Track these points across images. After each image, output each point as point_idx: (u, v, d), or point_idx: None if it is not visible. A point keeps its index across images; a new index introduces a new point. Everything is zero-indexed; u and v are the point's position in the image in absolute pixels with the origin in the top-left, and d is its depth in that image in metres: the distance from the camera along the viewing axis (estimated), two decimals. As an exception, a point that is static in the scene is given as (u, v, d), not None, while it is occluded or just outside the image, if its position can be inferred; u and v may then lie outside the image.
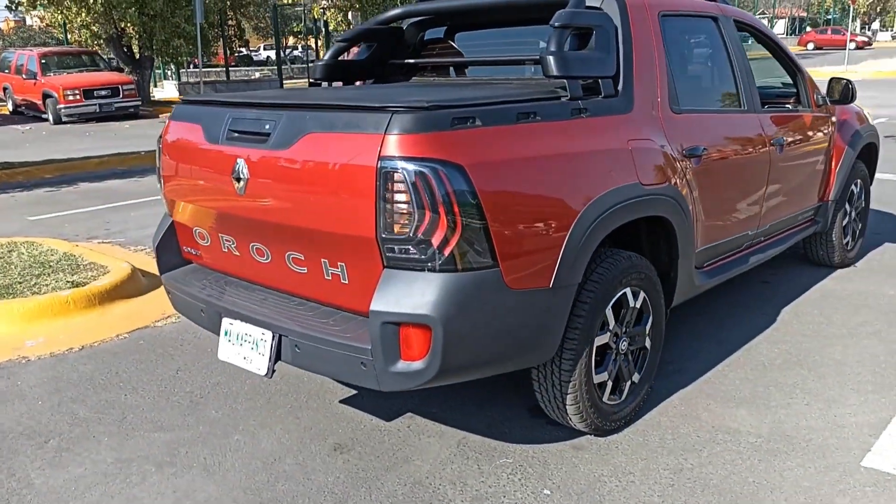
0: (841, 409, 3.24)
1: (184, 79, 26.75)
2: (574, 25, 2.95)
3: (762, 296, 4.68)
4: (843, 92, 4.52)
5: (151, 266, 5.52)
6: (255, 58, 44.13)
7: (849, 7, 52.76)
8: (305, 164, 2.54)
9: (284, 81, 27.02)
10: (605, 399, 2.99)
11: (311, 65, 27.38)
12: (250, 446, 3.11)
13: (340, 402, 3.48)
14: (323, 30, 24.67)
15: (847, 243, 5.16)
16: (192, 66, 28.31)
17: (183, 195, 3.14)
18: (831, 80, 4.63)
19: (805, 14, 54.20)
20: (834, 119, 4.76)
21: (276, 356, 2.78)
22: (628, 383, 3.11)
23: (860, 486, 2.68)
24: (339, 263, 2.57)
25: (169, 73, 27.23)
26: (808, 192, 4.57)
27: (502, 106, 2.57)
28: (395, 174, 2.31)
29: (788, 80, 4.62)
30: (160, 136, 3.26)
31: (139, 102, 18.74)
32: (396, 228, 2.35)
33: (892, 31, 56.17)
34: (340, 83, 4.07)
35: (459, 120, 2.42)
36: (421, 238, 2.34)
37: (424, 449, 3.04)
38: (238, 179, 2.75)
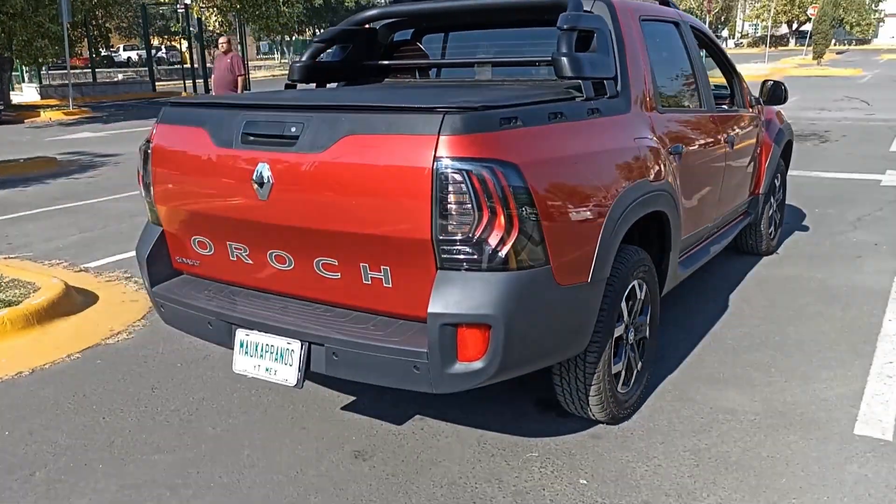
0: (817, 384, 3.52)
1: (45, 81, 24.94)
2: (579, 28, 3.04)
3: (707, 284, 4.98)
4: (776, 93, 4.90)
5: (76, 281, 5.17)
6: (115, 59, 41.86)
7: (704, 19, 56.76)
8: (345, 167, 2.48)
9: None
10: (619, 388, 3.10)
11: (180, 66, 26.32)
12: (265, 461, 2.99)
13: (342, 409, 3.40)
14: (196, 29, 23.76)
15: (770, 233, 5.58)
16: (50, 69, 26.43)
17: (180, 203, 2.96)
18: (764, 82, 5.00)
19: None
20: (762, 118, 5.15)
21: (306, 366, 2.70)
22: (634, 372, 3.24)
23: (861, 453, 2.92)
24: (381, 267, 2.53)
25: (27, 75, 25.29)
26: (745, 186, 4.91)
27: (537, 106, 2.62)
28: (453, 175, 2.30)
29: (722, 81, 4.94)
30: (146, 142, 3.06)
31: (1, 107, 17.32)
32: (454, 229, 2.34)
33: (733, 39, 60.79)
34: (314, 85, 3.98)
35: (505, 120, 2.44)
36: (479, 238, 2.34)
37: (447, 450, 3.03)
38: (260, 184, 2.64)
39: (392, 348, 2.47)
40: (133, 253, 6.02)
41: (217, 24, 20.49)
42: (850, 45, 52.07)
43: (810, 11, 34.40)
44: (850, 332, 4.10)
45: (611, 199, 2.76)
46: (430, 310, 2.39)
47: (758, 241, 5.45)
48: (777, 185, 5.58)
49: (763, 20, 48.53)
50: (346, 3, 45.22)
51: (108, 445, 3.14)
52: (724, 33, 58.78)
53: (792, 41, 36.74)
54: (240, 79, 11.44)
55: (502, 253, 2.35)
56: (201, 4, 20.50)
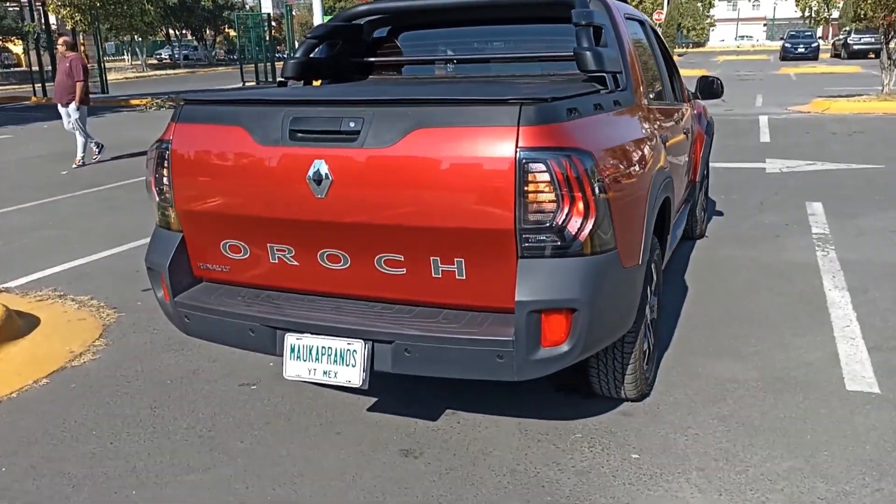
0: (796, 350, 3.85)
1: None
2: (594, 24, 3.17)
3: (658, 268, 5.29)
4: (712, 88, 5.28)
5: (5, 302, 4.73)
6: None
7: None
8: (416, 161, 2.46)
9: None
10: (645, 366, 3.26)
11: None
12: (313, 469, 2.90)
13: (368, 410, 3.35)
14: (44, 28, 22.01)
15: (702, 217, 6.00)
16: None
17: (210, 206, 2.81)
18: (701, 77, 5.37)
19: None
20: (695, 111, 5.53)
21: (370, 365, 2.65)
22: (649, 350, 3.42)
23: (860, 406, 3.25)
24: (455, 260, 2.53)
25: None
26: (688, 174, 5.27)
27: (585, 97, 2.72)
28: (536, 164, 2.35)
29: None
30: (163, 144, 2.88)
31: None
32: (537, 218, 2.39)
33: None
34: (301, 82, 3.87)
35: (570, 110, 2.52)
36: (560, 225, 2.40)
37: (492, 440, 3.07)
38: (317, 182, 2.56)
39: (475, 339, 2.48)
40: (58, 268, 5.65)
41: (75, 22, 19.06)
42: (687, 47, 56.26)
43: (656, 17, 36.93)
44: (802, 303, 4.51)
45: (648, 184, 2.91)
46: (517, 298, 2.42)
47: (693, 226, 5.84)
48: (705, 173, 6.00)
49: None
50: (203, 3, 43.53)
51: (130, 471, 2.92)
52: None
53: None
54: (78, 85, 10.38)
55: (582, 239, 2.43)
56: (57, 2, 19.02)
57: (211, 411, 3.38)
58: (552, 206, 2.38)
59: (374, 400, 3.43)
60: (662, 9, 39.13)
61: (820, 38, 40.39)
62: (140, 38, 34.46)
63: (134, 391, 3.62)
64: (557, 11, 3.69)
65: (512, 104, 2.38)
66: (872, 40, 33.49)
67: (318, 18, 16.37)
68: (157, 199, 2.96)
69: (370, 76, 4.11)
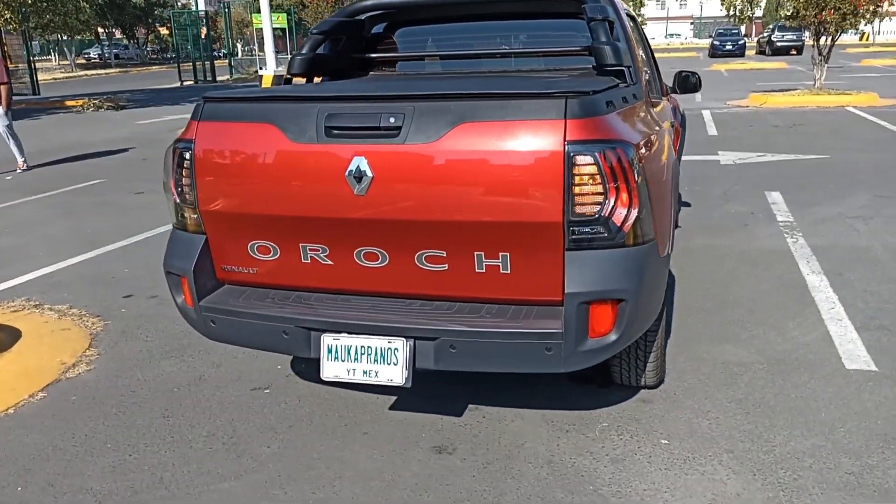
0: (790, 332, 4.00)
1: None
2: (608, 18, 3.23)
3: (641, 259, 5.42)
4: (690, 83, 5.42)
5: None
6: None
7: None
8: (462, 156, 2.46)
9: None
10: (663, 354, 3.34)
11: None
12: (349, 470, 2.87)
13: (390, 409, 3.33)
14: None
15: (678, 209, 6.17)
16: None
17: (238, 206, 2.74)
18: (678, 72, 5.51)
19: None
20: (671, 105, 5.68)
21: (412, 363, 2.64)
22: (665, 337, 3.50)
23: (864, 384, 3.40)
24: (500, 254, 2.54)
25: None
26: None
27: (615, 91, 2.76)
28: (584, 157, 2.38)
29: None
30: (183, 144, 2.80)
31: None
32: (584, 210, 2.42)
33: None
34: (304, 80, 3.81)
35: (608, 103, 2.56)
36: (606, 217, 2.44)
37: (521, 433, 3.09)
38: (357, 179, 2.53)
39: (524, 332, 2.50)
40: (26, 277, 5.41)
41: (4, 20, 18.18)
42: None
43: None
44: (786, 288, 4.69)
45: (671, 174, 2.99)
46: (567, 290, 2.45)
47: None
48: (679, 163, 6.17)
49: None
50: (134, 1, 42.18)
51: (157, 483, 2.84)
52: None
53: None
54: (3, 88, 9.87)
55: (626, 230, 2.48)
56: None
57: (228, 417, 3.31)
58: (599, 199, 2.42)
59: (393, 399, 3.41)
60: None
61: (745, 35, 41.83)
62: (69, 37, 33.22)
63: (141, 401, 3.51)
64: (559, 7, 3.74)
65: (557, 98, 2.41)
66: (794, 38, 34.93)
67: (265, 16, 16.08)
68: (178, 201, 2.88)
69: (371, 73, 4.08)
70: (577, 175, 2.39)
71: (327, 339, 2.70)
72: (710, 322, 4.18)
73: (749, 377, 3.50)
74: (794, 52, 35.36)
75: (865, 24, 14.37)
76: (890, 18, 15.34)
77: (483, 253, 2.55)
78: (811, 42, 15.34)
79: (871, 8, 13.76)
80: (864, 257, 5.20)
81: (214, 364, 3.87)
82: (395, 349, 2.63)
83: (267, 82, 16.07)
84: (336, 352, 2.70)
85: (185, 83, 30.38)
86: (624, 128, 2.57)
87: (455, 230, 2.53)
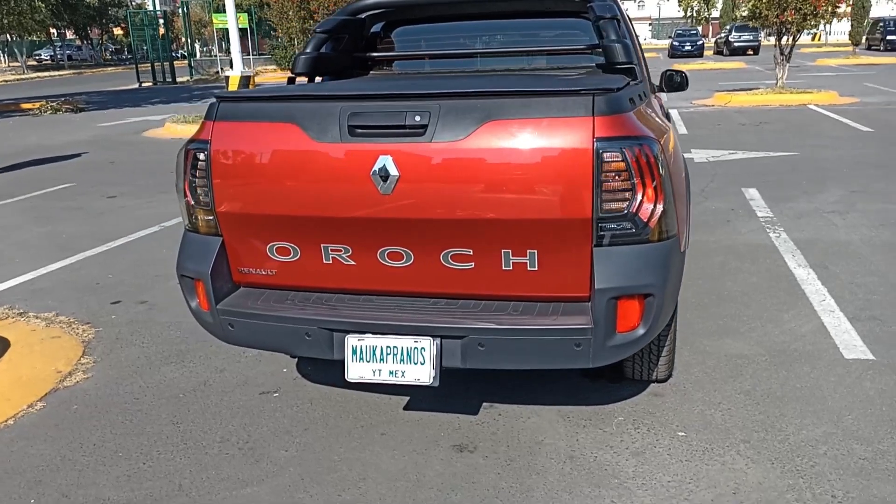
0: (786, 324, 4.09)
1: None
2: (616, 16, 3.26)
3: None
4: (678, 81, 5.49)
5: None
6: None
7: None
8: (489, 154, 2.46)
9: None
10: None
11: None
12: (372, 471, 2.85)
13: (405, 409, 3.32)
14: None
15: (659, 206, 6.26)
16: None
17: (257, 207, 2.71)
18: (664, 72, 5.59)
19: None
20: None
21: (440, 362, 2.64)
22: (673, 331, 3.55)
23: (863, 372, 3.49)
24: (527, 251, 2.55)
25: None
26: None
27: (632, 88, 2.80)
28: (612, 153, 2.41)
29: None
30: (197, 144, 2.75)
31: None
32: (613, 206, 2.45)
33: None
34: (305, 79, 3.77)
35: (630, 100, 2.60)
36: (633, 213, 2.47)
37: (539, 429, 3.11)
38: (383, 178, 2.52)
39: (553, 329, 2.52)
40: (6, 285, 5.26)
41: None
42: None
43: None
44: (775, 281, 4.79)
45: (684, 171, 3.03)
46: (597, 286, 2.48)
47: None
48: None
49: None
50: (88, 1, 41.23)
51: (177, 490, 2.79)
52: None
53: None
54: None
55: (652, 225, 2.51)
56: None
57: (240, 422, 3.26)
58: (627, 194, 2.45)
59: (405, 399, 3.40)
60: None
61: (703, 36, 42.61)
62: (20, 38, 32.33)
63: (146, 408, 3.44)
64: (557, 6, 3.78)
65: (585, 95, 2.43)
66: (751, 38, 35.70)
67: (231, 15, 15.86)
68: (192, 203, 2.83)
69: (371, 72, 4.06)
70: (606, 171, 2.41)
71: (352, 340, 2.69)
72: (708, 316, 4.26)
73: (753, 369, 3.57)
74: (752, 52, 36.13)
75: (825, 25, 14.75)
76: (839, 20, 15.76)
77: (510, 250, 2.56)
78: (768, 42, 15.72)
79: (830, 9, 14.16)
80: (845, 251, 5.35)
81: (217, 369, 3.81)
82: (422, 348, 2.63)
83: (234, 84, 15.86)
84: (361, 353, 2.68)
85: (143, 84, 29.84)
86: (646, 124, 2.61)
87: (483, 228, 2.54)
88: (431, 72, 4.04)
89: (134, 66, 31.82)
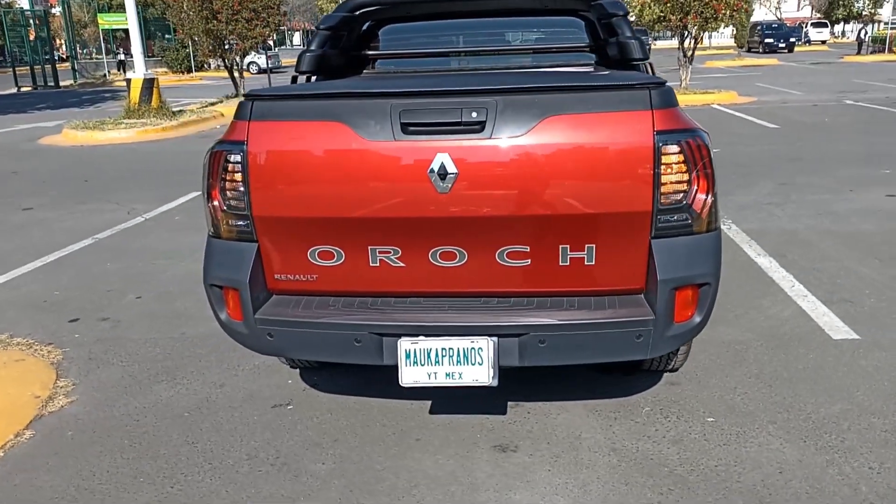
0: (768, 311, 4.29)
1: None
2: (626, 14, 3.33)
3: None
4: None
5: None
6: None
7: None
8: (549, 150, 2.45)
9: None
10: None
11: None
12: (422, 477, 2.78)
13: (431, 413, 3.25)
14: None
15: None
16: None
17: (300, 210, 2.58)
18: None
19: (315, 28, 59.59)
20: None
21: (497, 361, 2.60)
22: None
23: (854, 351, 3.71)
24: (586, 245, 2.55)
25: None
26: None
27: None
28: (671, 146, 2.45)
29: None
30: (230, 145, 2.59)
31: None
32: (671, 198, 2.49)
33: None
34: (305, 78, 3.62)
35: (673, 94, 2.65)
36: (688, 204, 2.52)
37: (573, 424, 3.12)
38: (442, 176, 2.46)
39: (617, 322, 2.53)
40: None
41: None
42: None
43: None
44: (743, 270, 5.02)
45: None
46: (660, 277, 2.50)
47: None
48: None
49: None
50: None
51: (218, 513, 2.62)
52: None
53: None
54: None
55: (704, 216, 2.57)
56: None
57: (262, 437, 3.10)
58: (684, 186, 2.49)
59: (427, 403, 3.33)
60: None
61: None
62: None
63: (152, 429, 3.21)
64: (555, 4, 3.81)
65: (642, 89, 2.46)
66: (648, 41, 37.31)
67: (132, 14, 15.06)
68: (223, 208, 2.67)
69: (364, 71, 3.96)
70: (665, 164, 2.45)
71: (405, 344, 2.61)
72: (692, 305, 4.40)
73: (754, 353, 3.72)
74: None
75: (724, 28, 15.61)
76: (735, 24, 16.80)
77: (568, 246, 2.56)
78: (657, 46, 16.48)
79: (729, 12, 15.00)
80: (795, 239, 5.67)
81: (216, 384, 3.61)
82: (480, 349, 2.58)
83: (136, 87, 15.06)
84: (415, 356, 2.61)
85: (22, 89, 28.01)
86: (689, 117, 2.67)
87: (542, 224, 2.52)
88: (431, 70, 3.98)
89: (10, 69, 29.81)
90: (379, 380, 3.55)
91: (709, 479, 2.70)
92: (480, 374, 2.59)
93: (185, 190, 8.48)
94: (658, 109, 2.45)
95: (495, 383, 2.61)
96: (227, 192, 2.64)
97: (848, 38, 55.98)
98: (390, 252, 2.62)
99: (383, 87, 2.56)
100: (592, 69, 3.84)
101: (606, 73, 3.27)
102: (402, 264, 2.64)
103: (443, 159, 2.46)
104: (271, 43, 21.47)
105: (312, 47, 3.49)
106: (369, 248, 2.62)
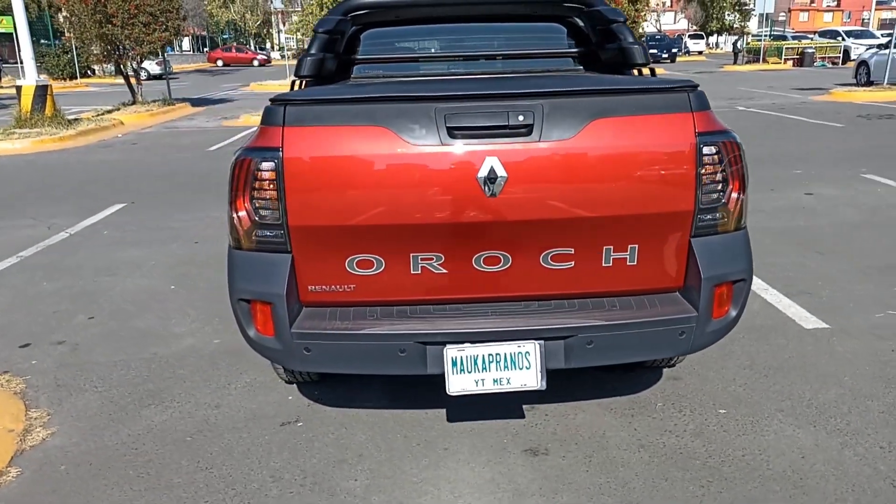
0: (738, 304, 4.49)
1: None
2: (626, 21, 3.41)
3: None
4: None
5: None
6: None
7: (240, 27, 57.70)
8: (597, 152, 2.46)
9: None
10: None
11: None
12: (465, 487, 2.73)
13: (449, 421, 3.21)
14: None
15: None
16: None
17: (343, 218, 2.48)
18: None
19: (205, 33, 57.56)
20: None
21: (544, 364, 2.59)
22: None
23: (830, 339, 3.93)
24: (629, 246, 2.58)
25: None
26: None
27: None
28: (711, 147, 2.52)
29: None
30: (265, 152, 2.46)
31: None
32: (711, 198, 2.56)
33: (280, 52, 62.95)
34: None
35: (700, 97, 2.73)
36: (724, 203, 2.60)
37: (592, 424, 3.15)
38: (491, 180, 2.43)
39: (662, 320, 2.57)
40: None
41: None
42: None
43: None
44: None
45: None
46: (704, 274, 2.57)
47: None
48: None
49: (304, 34, 51.79)
50: None
51: (260, 540, 2.48)
52: (268, 45, 61.27)
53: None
54: None
55: (737, 214, 2.66)
56: None
57: (281, 457, 2.96)
58: (720, 186, 2.57)
59: (441, 411, 3.28)
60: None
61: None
62: None
63: (156, 457, 3.00)
64: (552, 10, 3.85)
65: (681, 91, 2.52)
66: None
67: (20, 17, 14.05)
68: (254, 218, 2.53)
69: (352, 77, 3.85)
70: (706, 165, 2.52)
71: (452, 352, 2.56)
72: (667, 303, 4.55)
73: (739, 346, 3.89)
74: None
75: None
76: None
77: (612, 247, 2.58)
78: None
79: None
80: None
81: (211, 405, 3.42)
82: (527, 353, 2.57)
83: (27, 94, 14.07)
84: (462, 364, 2.56)
85: None
86: None
87: (587, 226, 2.53)
88: (422, 75, 3.93)
89: None
90: (384, 390, 3.47)
91: (741, 469, 2.80)
92: (529, 378, 2.58)
93: (105, 202, 8.02)
94: (697, 112, 2.52)
95: (544, 387, 2.60)
96: (258, 202, 2.51)
97: (722, 48, 59.66)
98: (433, 259, 2.57)
99: (426, 90, 2.50)
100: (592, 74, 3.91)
101: (639, 77, 3.32)
102: (444, 271, 2.59)
103: (492, 163, 2.43)
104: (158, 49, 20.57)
105: (312, 51, 3.36)
106: (411, 255, 2.56)
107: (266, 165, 2.46)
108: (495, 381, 2.58)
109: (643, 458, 2.89)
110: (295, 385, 3.57)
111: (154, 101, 19.10)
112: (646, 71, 3.43)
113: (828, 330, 4.06)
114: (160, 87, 22.52)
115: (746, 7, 50.46)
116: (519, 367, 2.57)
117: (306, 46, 3.42)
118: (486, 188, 2.44)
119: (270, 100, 2.54)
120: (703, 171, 2.52)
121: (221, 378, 3.70)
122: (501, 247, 2.56)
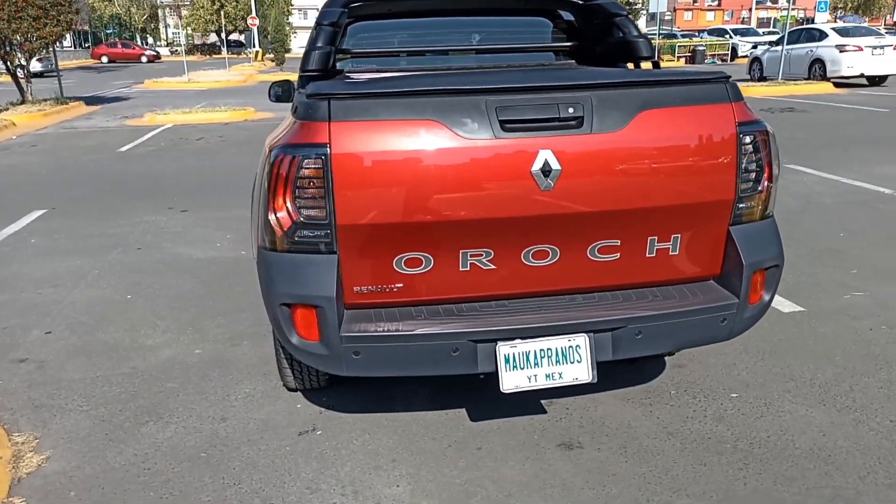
0: (713, 291, 4.64)
1: None
2: (629, 14, 3.45)
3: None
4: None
5: None
6: None
7: (125, 22, 55.12)
8: (646, 143, 2.47)
9: None
10: None
11: None
12: (511, 485, 2.69)
13: (473, 421, 3.15)
14: None
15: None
16: None
17: (394, 216, 2.38)
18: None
19: (87, 28, 54.53)
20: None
21: (594, 357, 2.59)
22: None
23: (809, 321, 4.12)
24: (672, 236, 2.60)
25: None
26: None
27: None
28: (748, 137, 2.57)
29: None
30: (310, 148, 2.33)
31: None
32: (748, 186, 2.61)
33: (168, 47, 60.48)
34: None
35: (723, 89, 2.79)
36: (759, 191, 2.67)
37: (616, 415, 3.17)
38: (545, 174, 2.40)
39: (706, 307, 2.61)
40: None
41: None
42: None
43: (250, 22, 37.10)
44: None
45: None
46: (746, 261, 2.62)
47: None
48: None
49: (194, 28, 50.01)
50: None
51: (317, 556, 2.35)
52: (151, 40, 58.64)
53: (224, 49, 39.11)
54: None
55: (769, 202, 2.73)
56: None
57: (311, 467, 2.83)
58: (756, 175, 2.64)
59: (461, 411, 3.23)
60: (254, 14, 39.54)
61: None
62: None
63: (174, 476, 2.81)
64: (527, 4, 3.85)
65: (719, 82, 2.57)
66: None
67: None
68: (297, 218, 2.39)
69: (346, 72, 3.71)
70: (745, 154, 2.58)
71: (504, 349, 2.51)
72: (646, 293, 4.65)
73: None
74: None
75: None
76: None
77: (657, 237, 2.60)
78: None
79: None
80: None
81: (216, 419, 3.23)
82: (577, 346, 2.56)
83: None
84: (515, 360, 2.52)
85: None
86: None
87: (636, 217, 2.54)
88: (410, 69, 3.84)
89: None
90: (392, 391, 3.39)
91: (772, 450, 2.88)
92: (580, 371, 2.57)
93: (22, 209, 7.48)
94: (735, 102, 2.57)
95: (595, 380, 2.59)
96: (302, 201, 2.37)
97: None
98: (482, 255, 2.51)
99: (476, 82, 2.44)
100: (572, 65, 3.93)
101: (674, 69, 3.33)
102: (492, 266, 2.54)
103: (546, 156, 2.40)
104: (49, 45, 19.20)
105: (319, 44, 3.22)
106: (461, 251, 2.49)
107: (311, 163, 2.34)
108: (548, 376, 2.55)
109: (675, 446, 2.93)
110: (300, 393, 3.42)
111: (45, 100, 17.97)
112: (647, 65, 3.49)
113: (805, 313, 4.25)
114: (45, 86, 21.18)
115: (636, 6, 52.55)
116: (570, 360, 2.56)
117: (309, 40, 3.27)
118: (540, 181, 2.41)
119: (308, 94, 2.41)
120: (743, 160, 2.58)
121: (217, 390, 3.50)
122: (551, 241, 2.53)
